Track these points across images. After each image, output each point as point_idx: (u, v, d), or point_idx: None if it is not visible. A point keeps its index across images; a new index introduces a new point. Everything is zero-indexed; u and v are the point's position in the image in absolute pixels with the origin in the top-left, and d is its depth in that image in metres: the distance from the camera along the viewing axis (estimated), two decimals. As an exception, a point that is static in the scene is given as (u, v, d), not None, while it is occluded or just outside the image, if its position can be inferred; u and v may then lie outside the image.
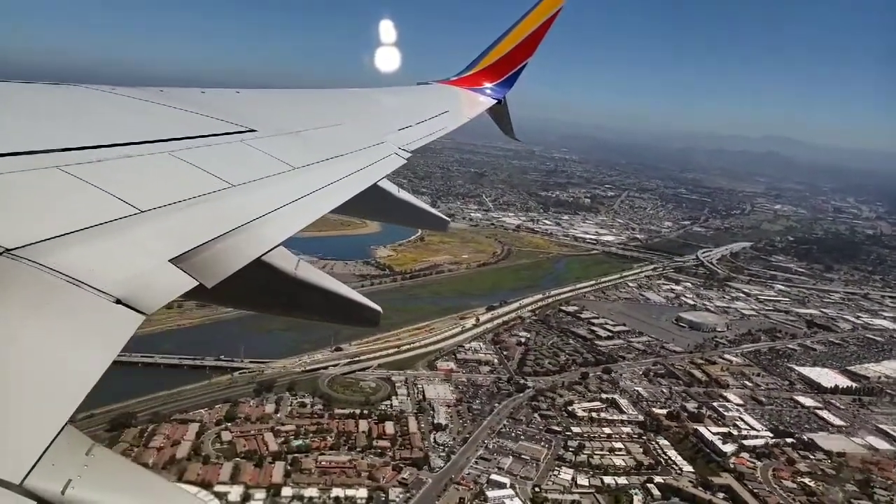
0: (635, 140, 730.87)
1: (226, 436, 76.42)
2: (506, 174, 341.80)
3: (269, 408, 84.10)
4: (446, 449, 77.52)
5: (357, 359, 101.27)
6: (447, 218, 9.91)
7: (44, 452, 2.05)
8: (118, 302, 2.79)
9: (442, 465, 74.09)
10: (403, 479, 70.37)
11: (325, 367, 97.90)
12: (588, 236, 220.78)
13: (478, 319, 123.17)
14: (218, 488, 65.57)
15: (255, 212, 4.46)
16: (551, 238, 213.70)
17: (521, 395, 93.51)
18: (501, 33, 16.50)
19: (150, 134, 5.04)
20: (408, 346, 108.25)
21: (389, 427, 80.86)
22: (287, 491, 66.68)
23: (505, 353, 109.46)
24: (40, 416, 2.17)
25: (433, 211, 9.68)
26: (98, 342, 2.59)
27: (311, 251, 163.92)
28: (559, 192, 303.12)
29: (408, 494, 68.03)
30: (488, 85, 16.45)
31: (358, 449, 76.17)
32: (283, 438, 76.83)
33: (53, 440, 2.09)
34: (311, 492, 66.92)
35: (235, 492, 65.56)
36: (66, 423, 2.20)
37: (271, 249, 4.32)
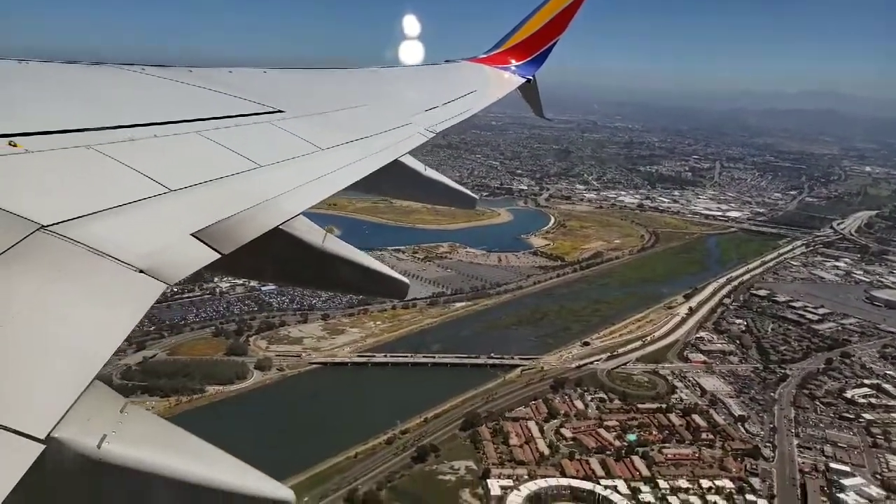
0: (680, 104, 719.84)
1: (565, 432, 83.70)
2: (589, 149, 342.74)
3: (578, 404, 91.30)
4: (762, 439, 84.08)
5: (615, 353, 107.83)
6: (475, 196, 9.96)
7: (69, 409, 2.25)
8: (141, 272, 3.06)
9: (771, 454, 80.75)
10: (753, 469, 77.13)
11: (592, 363, 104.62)
12: (714, 213, 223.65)
13: (691, 310, 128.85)
14: (604, 482, 73.10)
15: (279, 189, 4.68)
16: (681, 217, 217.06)
17: (786, 383, 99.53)
18: (531, 10, 16.35)
19: (179, 114, 5.21)
20: (650, 339, 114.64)
21: (699, 419, 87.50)
22: (663, 483, 73.70)
23: (738, 341, 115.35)
24: (65, 376, 2.40)
25: (461, 188, 9.54)
26: (120, 309, 2.85)
27: (471, 243, 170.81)
28: (656, 166, 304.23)
29: (766, 483, 74.82)
30: (517, 63, 16.18)
31: (687, 441, 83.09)
32: (615, 433, 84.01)
33: (79, 398, 2.30)
34: (682, 483, 73.97)
35: (621, 486, 72.75)
36: (91, 383, 2.41)
37: (290, 219, 4.53)
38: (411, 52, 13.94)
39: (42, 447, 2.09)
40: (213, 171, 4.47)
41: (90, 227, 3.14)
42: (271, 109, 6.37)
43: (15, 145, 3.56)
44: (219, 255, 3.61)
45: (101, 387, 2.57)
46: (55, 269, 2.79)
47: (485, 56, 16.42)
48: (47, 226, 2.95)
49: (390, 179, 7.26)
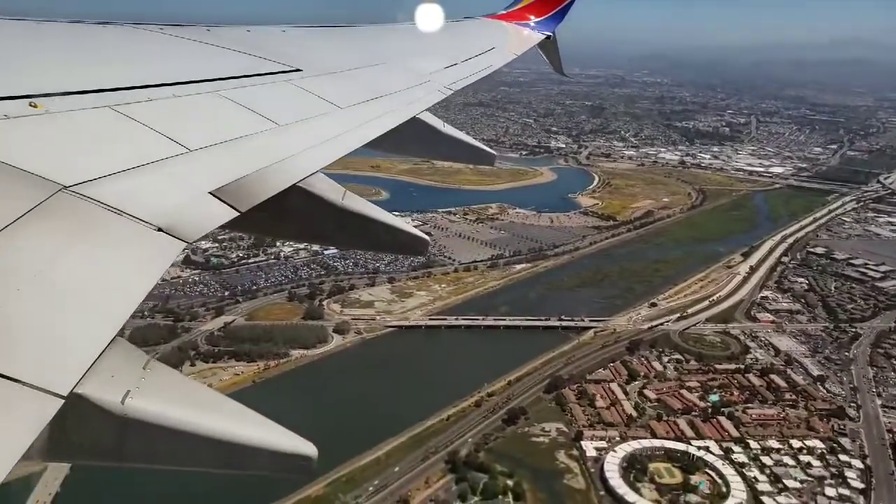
0: (706, 56, 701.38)
1: (649, 394, 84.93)
2: (622, 105, 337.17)
3: (657, 365, 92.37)
4: (844, 399, 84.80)
5: (684, 314, 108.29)
6: (493, 152, 9.72)
7: (91, 366, 2.29)
8: (159, 230, 3.10)
9: (855, 414, 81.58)
10: (840, 429, 78.07)
11: (662, 324, 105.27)
12: (757, 169, 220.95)
13: (751, 269, 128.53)
14: (695, 443, 74.53)
15: (297, 147, 4.69)
16: (724, 173, 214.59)
17: (859, 342, 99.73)
18: None
19: (198, 73, 5.19)
20: (715, 298, 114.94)
21: (778, 380, 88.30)
22: (753, 444, 74.98)
23: (803, 300, 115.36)
24: (88, 333, 2.43)
25: (480, 145, 9.37)
26: (140, 266, 2.90)
27: (519, 204, 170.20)
28: (692, 122, 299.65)
29: (856, 443, 75.82)
30: (537, 19, 15.89)
31: (769, 402, 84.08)
32: (697, 394, 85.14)
33: (101, 354, 2.34)
34: (772, 443, 75.19)
35: (712, 446, 74.17)
36: (112, 340, 2.44)
37: (309, 177, 4.55)
38: (431, 10, 13.52)
39: (60, 402, 2.10)
40: (231, 131, 4.49)
41: (110, 186, 3.18)
42: (289, 68, 6.32)
43: (35, 106, 3.56)
44: (237, 213, 3.65)
45: (123, 344, 2.63)
46: (77, 229, 2.84)
47: (504, 12, 16.23)
48: (69, 186, 2.99)
49: (409, 137, 7.25)
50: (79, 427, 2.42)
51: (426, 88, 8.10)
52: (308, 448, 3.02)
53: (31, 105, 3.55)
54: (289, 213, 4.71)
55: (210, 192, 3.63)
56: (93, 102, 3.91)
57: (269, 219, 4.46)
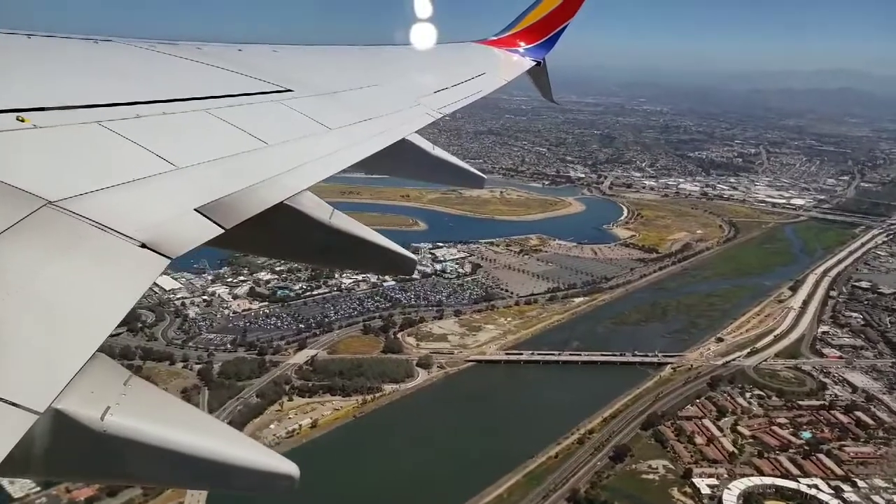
0: (697, 83, 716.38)
1: (743, 430, 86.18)
2: (630, 135, 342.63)
3: (741, 401, 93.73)
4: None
5: (754, 349, 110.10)
6: (483, 176, 9.72)
7: (70, 381, 2.26)
8: (143, 246, 3.08)
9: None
10: (938, 466, 79.71)
11: (735, 359, 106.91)
12: (778, 200, 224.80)
13: (804, 303, 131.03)
14: (804, 481, 75.69)
15: (285, 166, 4.74)
16: (748, 205, 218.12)
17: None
18: None
19: (188, 91, 5.21)
20: (779, 333, 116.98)
21: (865, 417, 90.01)
22: (861, 483, 76.29)
23: (863, 335, 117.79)
24: (67, 349, 2.40)
25: (469, 168, 9.36)
26: (123, 282, 2.87)
27: (556, 234, 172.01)
28: (704, 152, 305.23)
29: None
30: (527, 46, 16.18)
31: (862, 440, 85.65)
32: (788, 430, 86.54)
33: (81, 370, 2.32)
34: (879, 482, 76.59)
35: (821, 485, 75.32)
36: (91, 356, 2.41)
37: (296, 195, 4.62)
38: (423, 33, 13.49)
39: (34, 418, 2.10)
40: (220, 150, 4.52)
41: (96, 202, 3.18)
42: (280, 88, 6.36)
43: (23, 120, 3.58)
44: (222, 230, 3.67)
45: (104, 359, 2.63)
46: (60, 244, 2.82)
47: (495, 38, 16.40)
48: (54, 201, 2.98)
49: (399, 158, 7.29)
50: (58, 443, 2.43)
51: (416, 111, 8.18)
52: (290, 467, 3.03)
53: (18, 119, 3.57)
54: (275, 230, 4.73)
55: (195, 209, 3.66)
56: (81, 118, 3.93)
57: (255, 236, 4.51)
